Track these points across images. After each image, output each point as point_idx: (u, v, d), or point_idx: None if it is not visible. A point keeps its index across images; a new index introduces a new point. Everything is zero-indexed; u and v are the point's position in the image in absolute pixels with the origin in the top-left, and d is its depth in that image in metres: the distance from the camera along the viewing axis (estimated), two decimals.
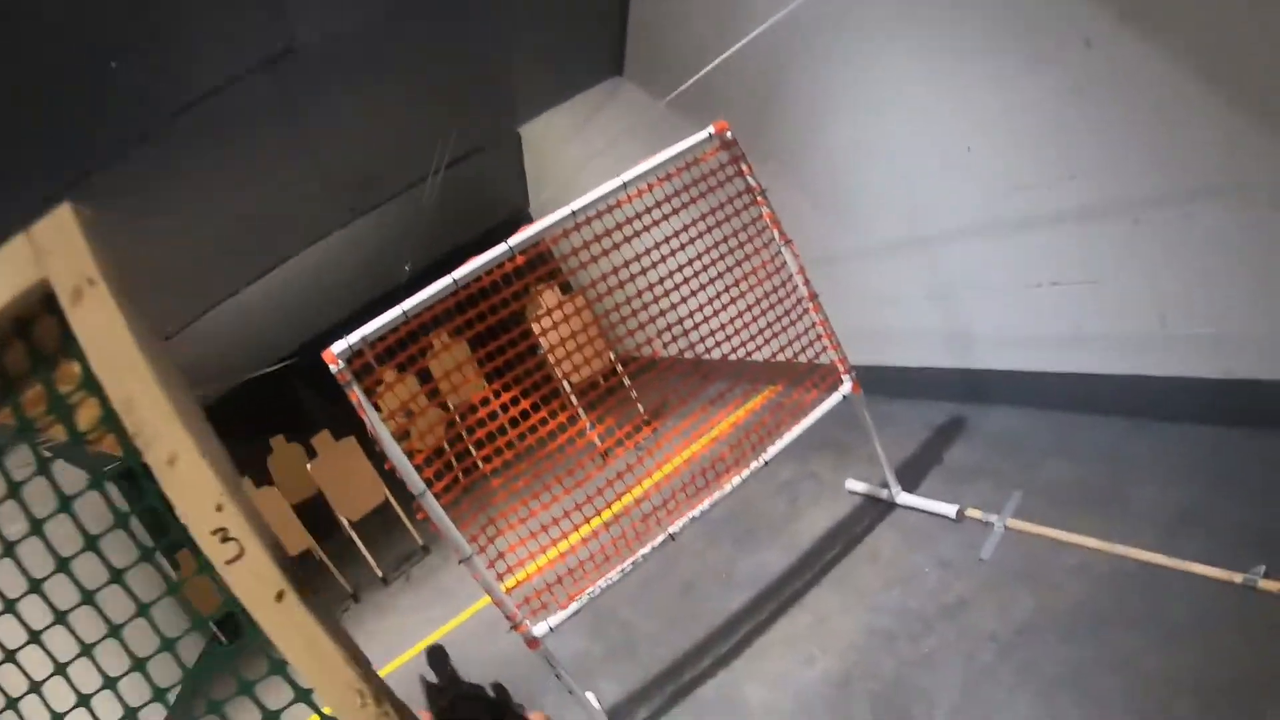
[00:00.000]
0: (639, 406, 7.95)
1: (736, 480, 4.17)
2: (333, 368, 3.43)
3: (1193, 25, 3.09)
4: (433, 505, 3.55)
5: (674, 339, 4.14)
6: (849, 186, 5.36)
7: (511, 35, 5.79)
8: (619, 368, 4.54)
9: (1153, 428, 4.22)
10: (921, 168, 4.71)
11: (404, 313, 3.51)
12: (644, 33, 6.44)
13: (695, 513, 4.07)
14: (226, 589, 1.01)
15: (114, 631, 1.25)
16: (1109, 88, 3.50)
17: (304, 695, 1.14)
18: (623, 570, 3.91)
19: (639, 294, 4.06)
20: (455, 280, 3.55)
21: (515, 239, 3.64)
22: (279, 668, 1.13)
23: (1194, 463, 3.84)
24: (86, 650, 1.32)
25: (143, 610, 1.31)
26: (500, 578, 3.74)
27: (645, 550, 3.96)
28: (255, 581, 1.00)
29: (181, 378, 1.05)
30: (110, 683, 1.30)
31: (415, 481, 3.52)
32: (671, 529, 4.01)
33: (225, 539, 0.99)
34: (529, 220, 11.07)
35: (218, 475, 0.99)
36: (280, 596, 1.02)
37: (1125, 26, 3.29)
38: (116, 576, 1.26)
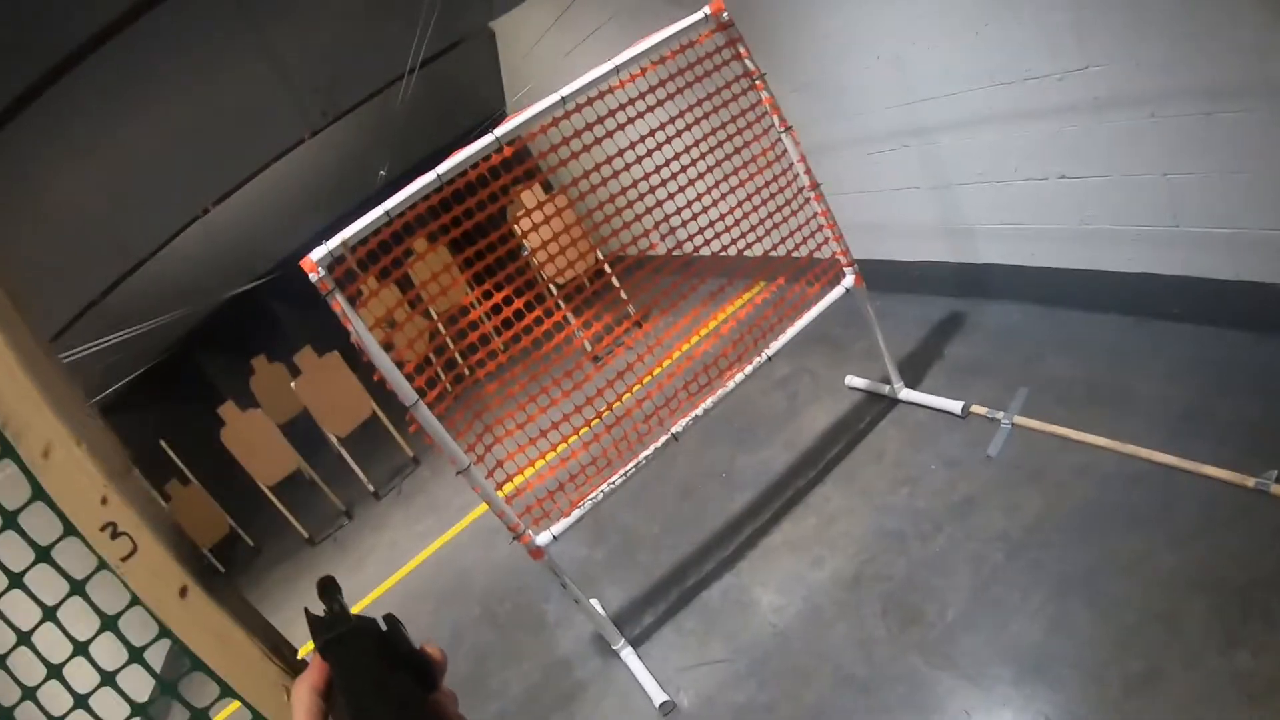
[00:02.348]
0: (629, 309, 7.81)
1: (739, 377, 4.04)
2: (312, 276, 3.21)
3: None
4: (426, 416, 3.40)
5: (667, 234, 3.96)
6: (845, 71, 5.10)
7: None
8: (606, 268, 4.36)
9: (1159, 327, 4.11)
10: (923, 52, 4.46)
11: (386, 213, 3.28)
12: None
13: (698, 411, 3.95)
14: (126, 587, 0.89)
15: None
16: None
17: (229, 690, 1.00)
18: (625, 474, 3.79)
19: (629, 186, 3.87)
20: (439, 175, 3.33)
21: (501, 129, 3.41)
22: (199, 663, 0.99)
23: (1202, 363, 3.74)
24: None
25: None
26: (499, 487, 3.61)
27: (647, 452, 3.84)
28: (154, 578, 0.88)
29: (55, 358, 0.91)
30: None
31: (407, 392, 3.36)
32: (674, 429, 3.88)
33: (115, 534, 0.86)
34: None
35: (100, 465, 0.85)
36: (184, 592, 0.93)
37: None
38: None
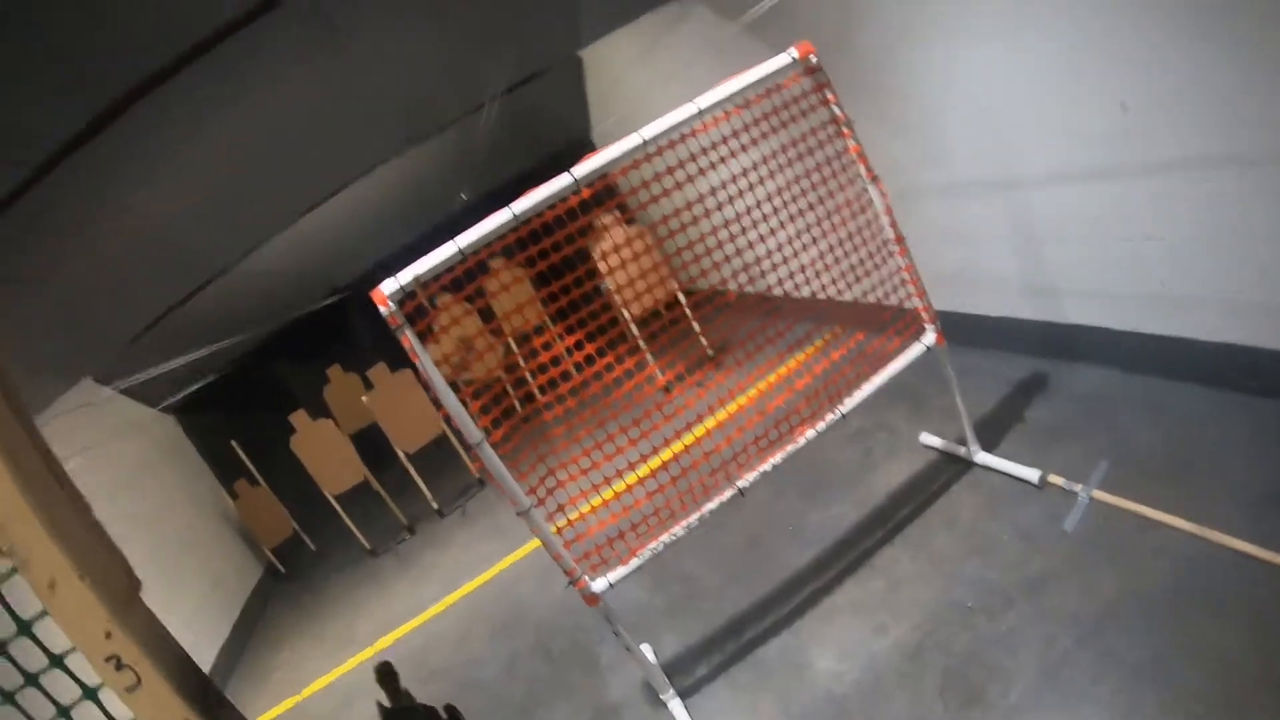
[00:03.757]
0: (703, 342, 7.76)
1: (811, 434, 3.93)
2: (383, 310, 3.21)
3: None
4: (489, 456, 3.37)
5: (746, 282, 3.89)
6: (934, 120, 4.99)
7: None
8: (681, 298, 4.29)
9: (1245, 400, 3.90)
10: (1015, 104, 4.33)
11: (460, 250, 3.26)
12: None
13: (766, 467, 3.85)
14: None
15: None
16: (1240, 33, 3.12)
17: None
18: (687, 526, 3.71)
19: (712, 232, 3.80)
20: (515, 214, 3.29)
21: (580, 169, 3.37)
22: None
23: None
24: None
25: None
26: (559, 531, 3.56)
27: (712, 505, 3.76)
28: (157, 710, 0.84)
29: (61, 473, 0.87)
30: None
31: (471, 431, 3.33)
32: (741, 484, 3.79)
33: (119, 666, 0.82)
34: (591, 148, 10.79)
35: (104, 598, 0.82)
36: None
37: None
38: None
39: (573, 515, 3.70)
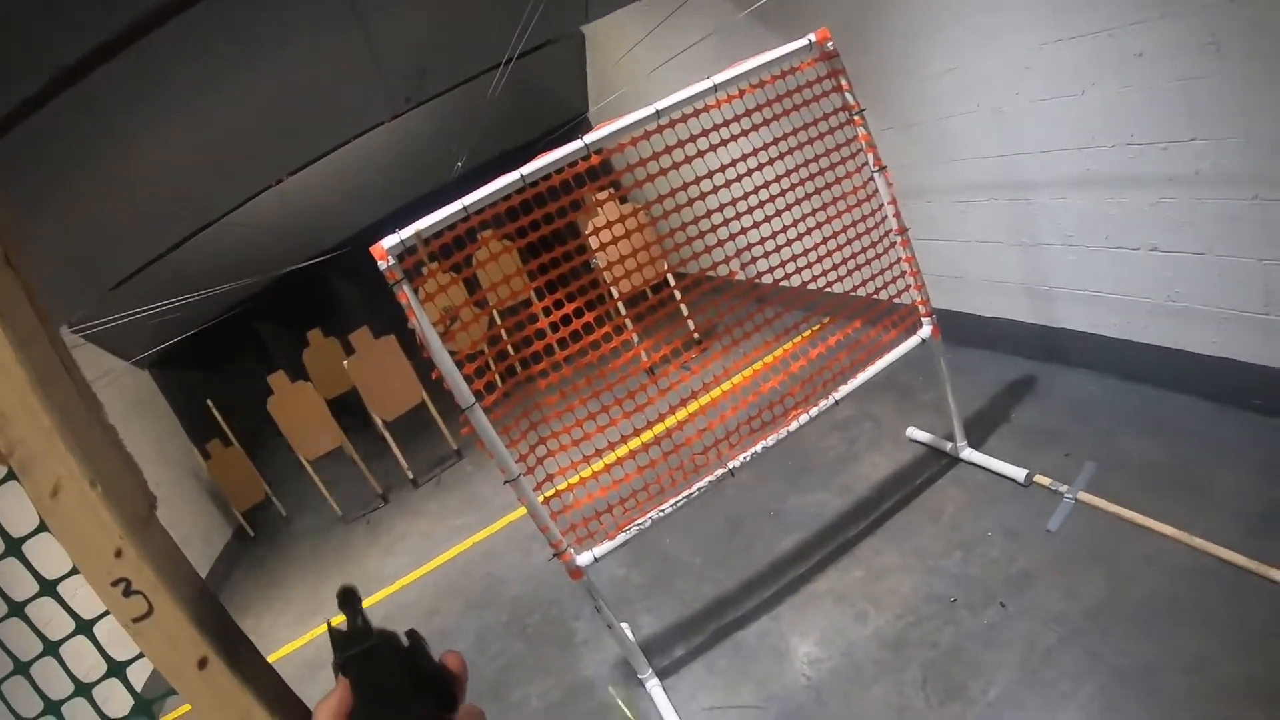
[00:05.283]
0: (690, 326, 7.69)
1: (804, 418, 3.91)
2: (382, 264, 3.15)
3: None
4: (481, 421, 3.32)
5: (748, 263, 3.85)
6: (943, 118, 4.97)
7: None
8: (671, 280, 4.25)
9: (1242, 416, 3.90)
10: (1026, 105, 4.32)
11: (465, 208, 3.20)
12: None
13: (758, 449, 3.82)
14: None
15: None
16: (1250, 46, 3.12)
17: None
18: (675, 503, 3.68)
19: (714, 211, 3.76)
20: (523, 175, 3.25)
21: (591, 136, 3.33)
22: None
23: None
24: None
25: None
26: (546, 502, 3.52)
27: (701, 484, 3.73)
28: (170, 646, 0.77)
29: (80, 376, 0.80)
30: None
31: (464, 393, 3.28)
32: (732, 464, 3.77)
33: (128, 592, 0.75)
34: (587, 126, 10.71)
35: (115, 512, 0.74)
36: (203, 664, 0.80)
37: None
38: None
39: (560, 486, 3.66)
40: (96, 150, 4.60)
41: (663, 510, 3.66)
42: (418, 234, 3.19)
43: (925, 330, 4.18)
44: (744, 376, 4.27)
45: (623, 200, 8.03)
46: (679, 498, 3.68)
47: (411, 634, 0.78)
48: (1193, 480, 3.68)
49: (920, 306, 4.17)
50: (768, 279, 3.99)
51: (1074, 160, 4.21)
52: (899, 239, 4.03)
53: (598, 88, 10.13)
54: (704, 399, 4.04)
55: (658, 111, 3.36)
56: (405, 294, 3.21)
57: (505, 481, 3.39)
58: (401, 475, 8.88)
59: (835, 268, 4.04)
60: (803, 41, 3.67)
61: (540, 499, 3.50)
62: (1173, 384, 4.29)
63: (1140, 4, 3.43)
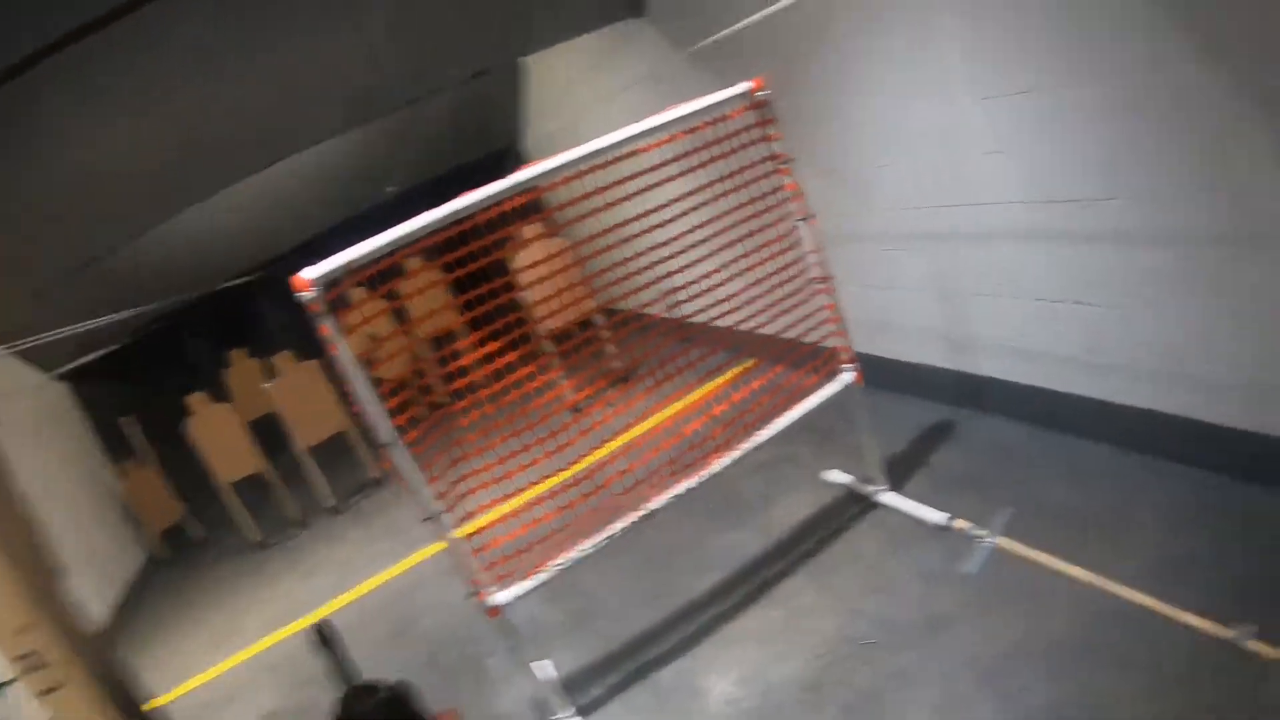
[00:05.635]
0: (616, 364, 7.72)
1: (725, 461, 3.94)
2: (303, 295, 3.09)
3: (1268, 57, 2.85)
4: (402, 457, 3.29)
5: (673, 306, 3.89)
6: (870, 168, 5.09)
7: None
8: (599, 319, 4.25)
9: (1161, 466, 4.01)
10: (952, 161, 4.44)
11: (390, 243, 3.17)
12: None
13: (679, 490, 3.84)
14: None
15: None
16: (1169, 109, 3.26)
17: None
18: (595, 544, 3.68)
19: (642, 254, 3.79)
20: (446, 214, 3.23)
21: (521, 175, 3.33)
22: None
23: (1200, 509, 3.65)
24: None
25: None
26: (467, 538, 3.49)
27: (621, 525, 3.73)
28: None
29: None
30: None
31: (385, 430, 3.25)
32: (651, 505, 3.78)
33: (36, 666, 0.74)
34: (520, 158, 10.72)
35: (20, 588, 0.73)
36: None
37: (1193, 43, 3.04)
38: None
39: (480, 523, 3.63)
40: (22, 152, 4.51)
41: (582, 550, 3.65)
42: (340, 266, 3.15)
43: (847, 376, 4.25)
44: (667, 416, 4.29)
45: (553, 236, 8.04)
46: (599, 539, 3.67)
47: (402, 685, 0.77)
48: (1108, 526, 3.78)
49: (842, 353, 4.23)
50: (696, 319, 4.02)
51: (997, 214, 4.32)
52: (821, 286, 4.09)
53: (536, 117, 10.14)
54: (625, 438, 4.05)
55: (588, 154, 3.39)
56: (327, 327, 3.17)
57: (423, 520, 3.36)
58: (322, 501, 8.73)
59: (761, 312, 4.09)
60: (738, 89, 3.73)
61: (459, 535, 3.47)
62: (1091, 433, 4.40)
63: (1064, 67, 3.56)
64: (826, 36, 4.86)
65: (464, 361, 3.62)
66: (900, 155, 4.79)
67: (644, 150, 3.62)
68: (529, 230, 7.77)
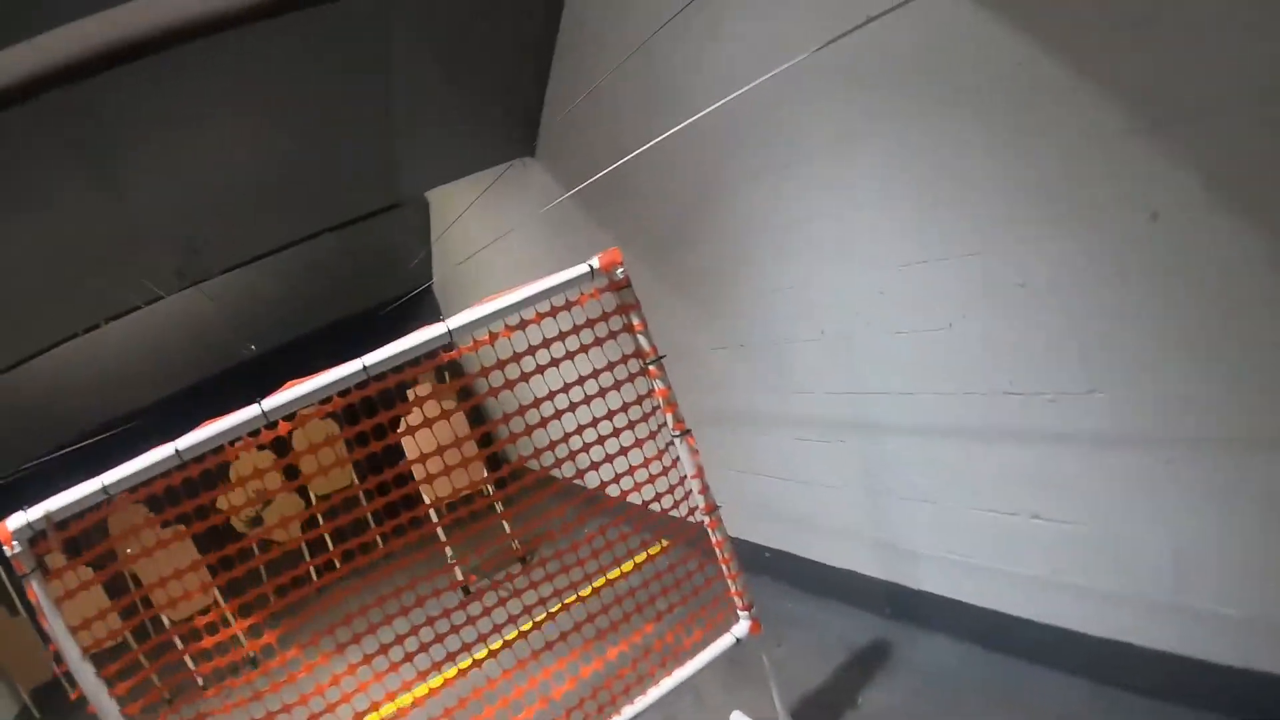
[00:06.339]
0: (514, 544, 6.88)
1: None
2: (8, 550, 2.45)
3: None
4: None
5: (571, 478, 3.13)
6: (783, 341, 4.40)
7: (418, 95, 5.07)
8: (489, 489, 3.58)
9: (1120, 698, 3.31)
10: (881, 335, 3.74)
11: (104, 488, 2.51)
12: (558, 112, 5.57)
13: None
14: None
15: None
16: (1163, 277, 2.59)
17: None
18: None
19: (528, 430, 3.15)
20: (178, 452, 2.49)
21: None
22: None
23: None
24: None
25: None
26: None
27: None
28: None
29: None
30: None
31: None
32: None
33: None
34: (430, 298, 10.25)
35: None
36: None
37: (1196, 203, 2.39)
38: None
39: None
40: None
41: None
42: (48, 515, 2.42)
43: (742, 627, 3.42)
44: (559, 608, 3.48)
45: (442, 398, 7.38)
46: None
47: None
48: None
49: (735, 598, 3.41)
50: (599, 495, 3.37)
51: (938, 406, 3.60)
52: (707, 518, 3.28)
53: (442, 255, 9.66)
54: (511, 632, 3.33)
55: (367, 366, 2.70)
56: (33, 590, 2.51)
57: None
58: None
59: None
60: (582, 269, 2.98)
61: None
62: (1045, 659, 3.64)
63: (1024, 218, 2.88)
64: (727, 179, 4.24)
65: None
66: (819, 328, 4.11)
67: (504, 334, 2.92)
68: (423, 388, 7.09)
